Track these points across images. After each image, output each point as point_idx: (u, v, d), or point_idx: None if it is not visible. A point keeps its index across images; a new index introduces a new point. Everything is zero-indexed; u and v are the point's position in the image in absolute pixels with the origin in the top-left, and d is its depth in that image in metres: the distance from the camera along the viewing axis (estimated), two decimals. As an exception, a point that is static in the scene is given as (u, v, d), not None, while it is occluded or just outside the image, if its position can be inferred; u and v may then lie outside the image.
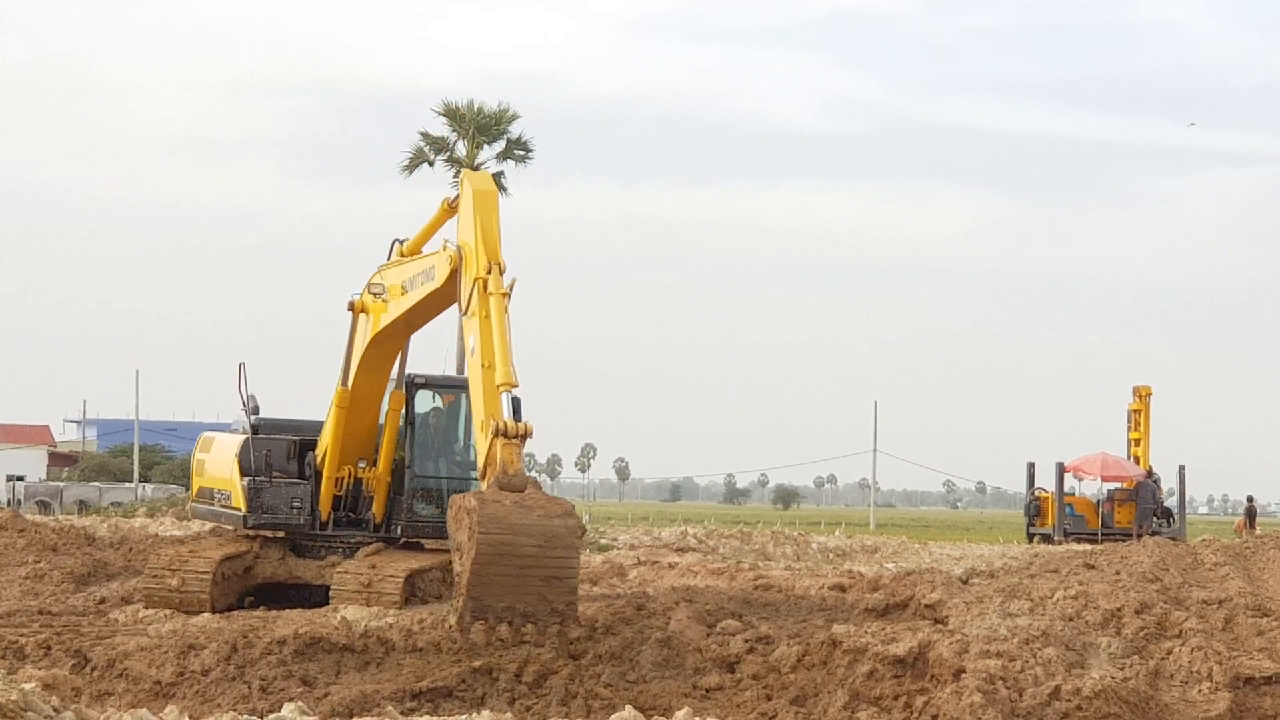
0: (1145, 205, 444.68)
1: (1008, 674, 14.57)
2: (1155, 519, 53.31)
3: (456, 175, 61.90)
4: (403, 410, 22.98)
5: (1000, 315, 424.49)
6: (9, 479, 79.61)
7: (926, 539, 54.34)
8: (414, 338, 22.72)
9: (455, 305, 18.98)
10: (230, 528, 24.26)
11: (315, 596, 22.68)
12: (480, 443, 16.03)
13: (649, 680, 16.06)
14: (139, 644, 17.28)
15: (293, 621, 19.28)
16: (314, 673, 16.26)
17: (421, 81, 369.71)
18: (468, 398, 23.32)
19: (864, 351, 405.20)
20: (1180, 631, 16.28)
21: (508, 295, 16.73)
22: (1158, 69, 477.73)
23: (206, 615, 21.65)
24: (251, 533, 23.67)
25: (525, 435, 15.82)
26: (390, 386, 22.82)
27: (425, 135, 62.34)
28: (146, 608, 22.56)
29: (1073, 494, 54.66)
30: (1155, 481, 54.85)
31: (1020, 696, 14.32)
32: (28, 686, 10.88)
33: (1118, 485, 54.20)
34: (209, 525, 26.26)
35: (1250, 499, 60.05)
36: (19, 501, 69.35)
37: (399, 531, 23.39)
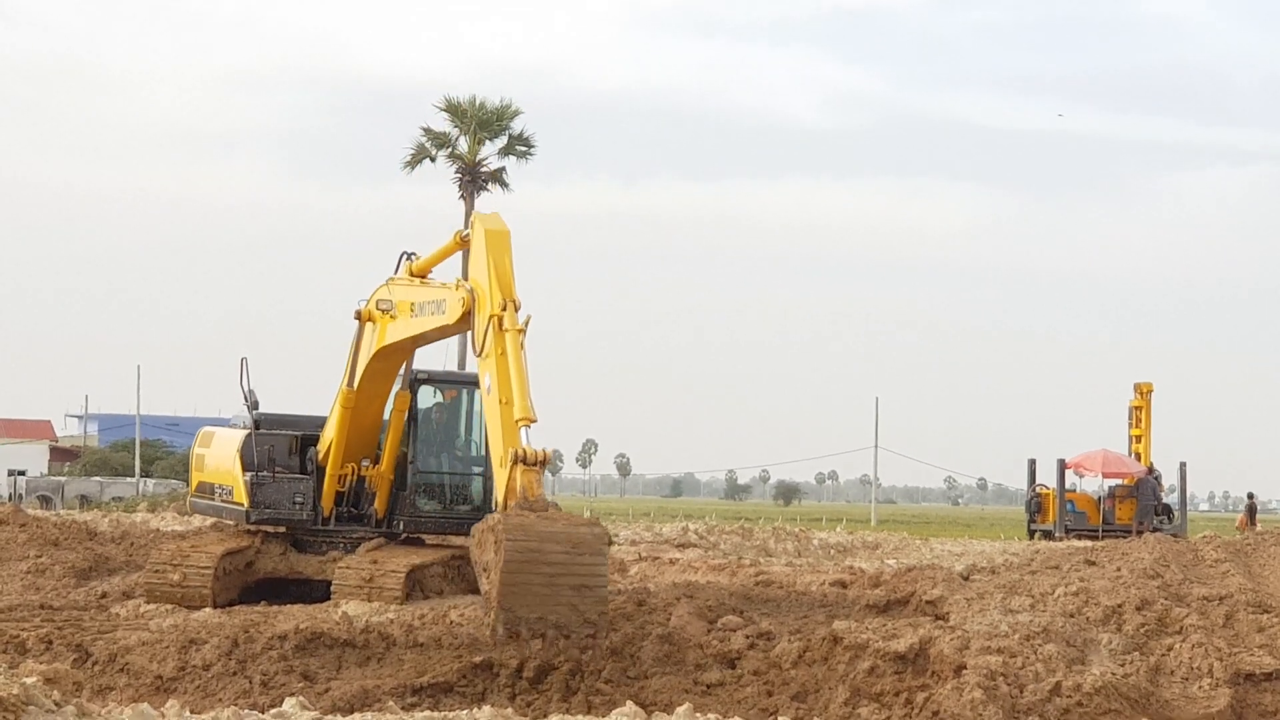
0: (1146, 202, 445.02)
1: (1009, 670, 14.57)
2: (1156, 515, 53.28)
3: (458, 171, 62.06)
4: (407, 410, 22.97)
5: (1001, 311, 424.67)
6: (10, 474, 79.76)
7: (928, 535, 54.32)
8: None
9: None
10: (231, 523, 24.26)
11: (316, 592, 22.68)
12: (499, 475, 15.88)
13: (650, 676, 16.06)
14: (140, 639, 17.29)
15: (294, 616, 19.29)
16: (315, 668, 16.27)
17: (423, 76, 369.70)
18: (470, 393, 23.34)
19: (865, 347, 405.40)
20: (1181, 628, 16.29)
21: (523, 331, 16.62)
22: (1159, 65, 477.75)
23: (208, 610, 21.66)
24: (253, 528, 23.68)
25: (544, 462, 15.70)
26: (396, 386, 22.78)
27: (427, 131, 62.42)
28: (148, 602, 22.57)
29: (1074, 490, 54.64)
30: (1156, 478, 54.84)
31: (1021, 693, 14.32)
32: (29, 681, 10.88)
33: (1119, 482, 54.18)
34: (210, 520, 26.26)
35: (1251, 495, 60.00)
36: (20, 496, 69.40)
37: (401, 527, 23.41)
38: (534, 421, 16.18)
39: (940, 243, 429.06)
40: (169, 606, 22.12)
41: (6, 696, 10.44)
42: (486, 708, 12.98)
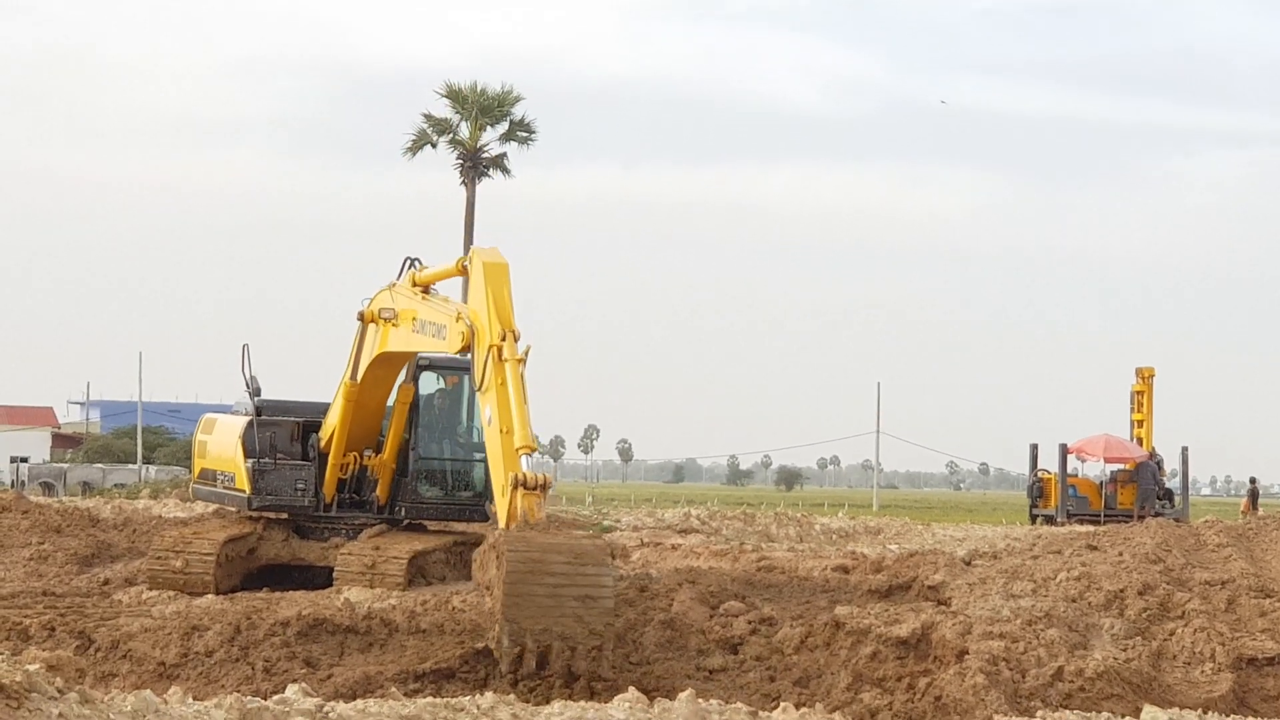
0: (1148, 186, 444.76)
1: (1011, 655, 14.58)
2: (1158, 500, 53.26)
3: (460, 157, 62.01)
4: (410, 401, 22.94)
5: (1002, 296, 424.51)
6: (13, 460, 79.69)
7: (929, 520, 54.31)
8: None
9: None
10: (234, 509, 24.27)
11: (319, 578, 22.69)
12: (500, 503, 15.85)
13: (652, 662, 16.06)
14: (143, 625, 17.29)
15: (296, 603, 19.29)
16: (317, 654, 16.28)
17: (424, 63, 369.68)
18: (472, 379, 23.32)
19: (867, 333, 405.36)
20: (1183, 613, 16.28)
21: (523, 361, 16.62)
22: (1160, 49, 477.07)
23: (210, 597, 21.66)
24: (255, 514, 23.68)
25: (545, 486, 15.67)
26: (401, 378, 22.74)
27: (428, 117, 62.38)
28: (150, 589, 22.58)
29: (1076, 475, 54.58)
30: (1158, 463, 54.80)
31: (1023, 678, 14.33)
32: (31, 668, 10.88)
33: (1121, 467, 54.15)
34: (212, 507, 26.27)
35: (1253, 480, 59.95)
36: (23, 483, 69.36)
37: (402, 513, 23.41)
38: (535, 450, 16.17)
39: (941, 228, 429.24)
40: (171, 593, 22.12)
41: (9, 684, 10.43)
42: (489, 694, 12.98)
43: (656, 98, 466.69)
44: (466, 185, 61.99)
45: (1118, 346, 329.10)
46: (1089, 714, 13.03)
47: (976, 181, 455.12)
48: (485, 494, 22.07)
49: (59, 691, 10.77)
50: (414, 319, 19.56)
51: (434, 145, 62.55)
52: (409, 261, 20.60)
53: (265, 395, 24.20)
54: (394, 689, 14.27)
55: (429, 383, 23.35)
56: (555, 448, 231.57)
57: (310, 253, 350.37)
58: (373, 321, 21.17)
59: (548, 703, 12.79)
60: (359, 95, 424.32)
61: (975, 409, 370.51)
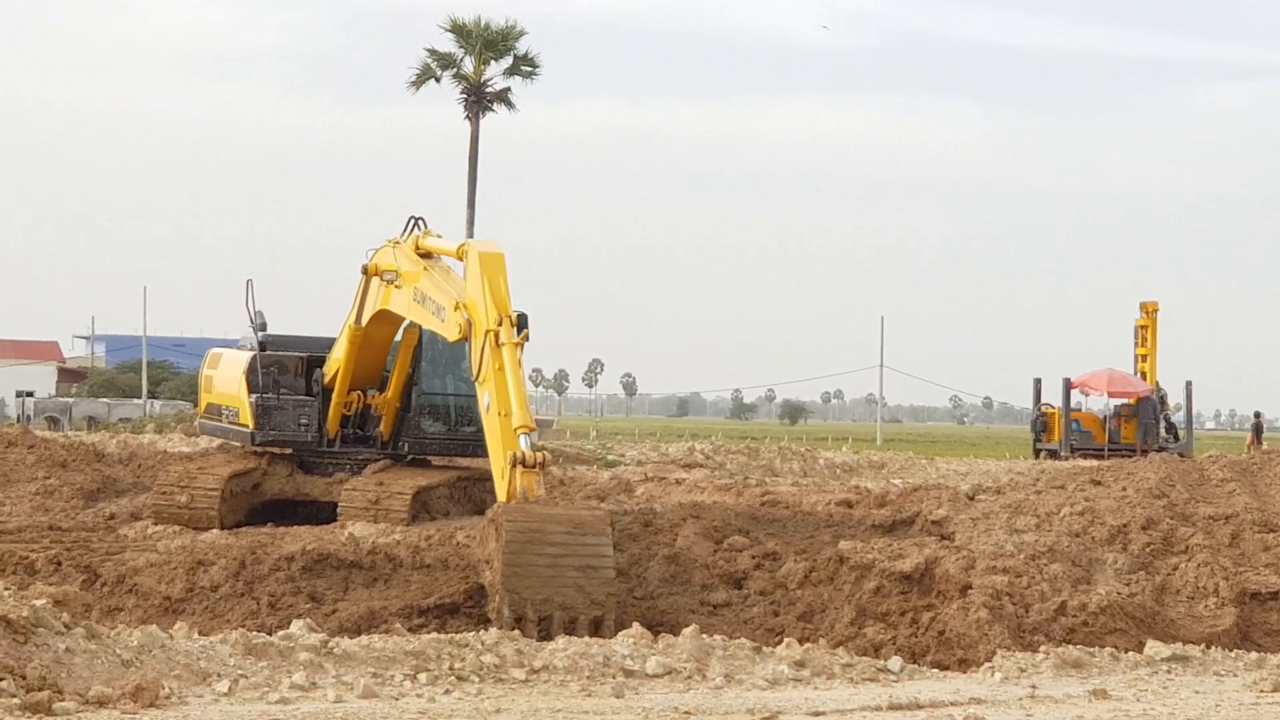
0: (1153, 118, 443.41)
1: (1014, 590, 14.61)
2: (1164, 434, 53.25)
3: (464, 92, 61.74)
4: (416, 342, 22.84)
5: (1006, 230, 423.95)
6: (18, 395, 79.73)
7: (933, 455, 54.29)
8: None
9: None
10: (238, 444, 24.30)
11: (323, 513, 22.73)
12: (500, 484, 15.80)
13: (656, 597, 16.11)
14: (148, 560, 17.35)
15: (301, 538, 19.34)
16: (322, 589, 16.33)
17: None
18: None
19: (871, 266, 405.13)
20: (1186, 547, 16.29)
21: (520, 345, 16.58)
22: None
23: (215, 531, 21.70)
24: (259, 449, 23.70)
25: (543, 464, 15.63)
26: (405, 322, 22.65)
27: (432, 52, 62.04)
28: (156, 524, 22.63)
29: (1079, 409, 54.50)
30: (1161, 397, 54.73)
31: (1026, 612, 14.37)
32: (38, 603, 10.92)
33: (1124, 401, 54.09)
34: (217, 441, 26.29)
35: (1257, 414, 59.90)
36: (28, 417, 69.43)
37: (406, 448, 23.42)
38: (533, 429, 16.11)
39: (946, 161, 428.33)
40: (177, 528, 22.17)
41: (16, 619, 10.48)
42: (493, 629, 13.03)
43: (661, 30, 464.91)
44: (471, 120, 61.74)
45: (1122, 280, 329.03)
46: (1092, 649, 13.07)
47: (980, 115, 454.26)
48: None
49: (65, 626, 10.82)
50: (415, 287, 19.45)
51: (438, 80, 62.25)
52: (414, 221, 20.45)
53: (270, 330, 24.17)
54: (398, 624, 14.33)
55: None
56: (560, 382, 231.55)
57: (315, 186, 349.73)
58: (376, 276, 21.01)
59: (550, 639, 12.84)
60: (364, 29, 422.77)
61: (979, 343, 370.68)
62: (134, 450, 34.23)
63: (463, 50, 61.76)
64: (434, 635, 12.40)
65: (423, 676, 11.19)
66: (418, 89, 62.68)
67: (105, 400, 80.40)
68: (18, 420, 65.85)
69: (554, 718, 10.34)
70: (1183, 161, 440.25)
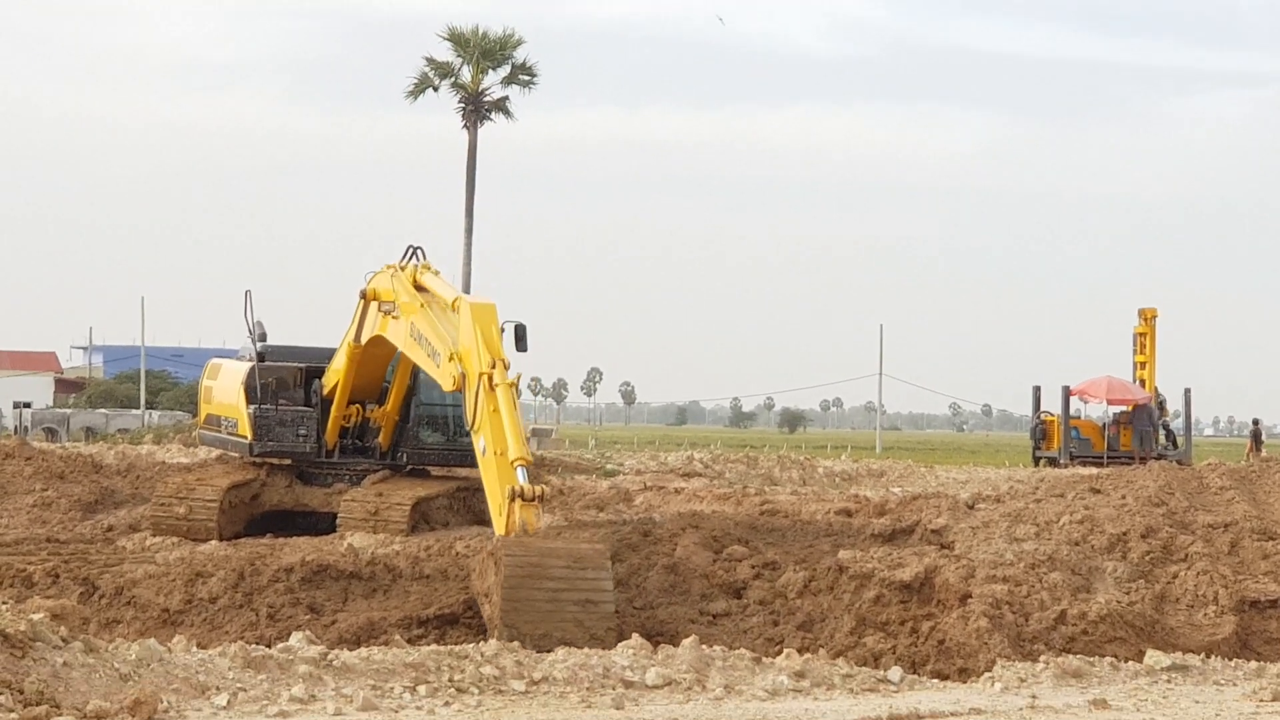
0: (1151, 127, 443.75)
1: (1014, 598, 14.59)
2: (1163, 441, 53.24)
3: (461, 101, 61.78)
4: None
5: (1006, 237, 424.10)
6: (16, 406, 79.71)
7: (932, 463, 54.25)
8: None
9: None
10: (237, 455, 24.28)
11: (322, 524, 22.70)
12: (498, 521, 15.74)
13: (656, 607, 16.08)
14: (147, 572, 17.33)
15: (300, 549, 19.32)
16: (321, 600, 16.31)
17: (426, 6, 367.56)
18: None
19: (870, 274, 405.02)
20: (1186, 555, 16.27)
21: (514, 385, 16.57)
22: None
23: (214, 543, 21.69)
24: (258, 460, 23.69)
25: (541, 497, 15.57)
26: None
27: (430, 60, 62.14)
28: (154, 535, 22.62)
29: (1078, 417, 54.45)
30: (1160, 404, 54.70)
31: (1026, 621, 14.35)
32: (36, 617, 10.90)
33: (1123, 408, 54.07)
34: (215, 452, 26.26)
35: (1256, 421, 59.85)
36: (26, 429, 69.38)
37: (405, 459, 23.40)
38: (530, 463, 16.07)
39: (945, 169, 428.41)
40: (175, 539, 22.15)
41: (14, 633, 10.45)
42: (492, 640, 13.01)
43: (659, 39, 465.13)
44: (468, 129, 61.81)
45: (1121, 288, 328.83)
46: (1092, 658, 13.06)
47: (979, 123, 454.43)
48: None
49: (63, 640, 10.79)
50: (412, 323, 19.41)
51: (435, 89, 62.31)
52: (412, 250, 20.39)
53: (270, 340, 24.15)
54: (397, 635, 14.30)
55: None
56: (558, 390, 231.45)
57: (313, 196, 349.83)
58: (375, 300, 20.92)
59: (550, 650, 12.82)
60: (361, 38, 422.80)
61: (978, 351, 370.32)
62: (132, 461, 34.21)
63: (460, 59, 61.84)
64: (433, 647, 12.39)
65: (422, 688, 11.17)
66: (416, 98, 62.79)
67: (103, 411, 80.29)
68: (15, 431, 65.82)
69: (553, 729, 10.32)
70: (1182, 170, 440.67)
